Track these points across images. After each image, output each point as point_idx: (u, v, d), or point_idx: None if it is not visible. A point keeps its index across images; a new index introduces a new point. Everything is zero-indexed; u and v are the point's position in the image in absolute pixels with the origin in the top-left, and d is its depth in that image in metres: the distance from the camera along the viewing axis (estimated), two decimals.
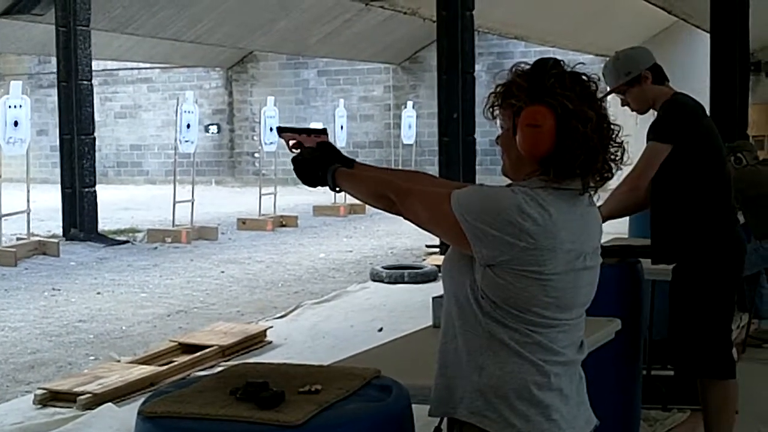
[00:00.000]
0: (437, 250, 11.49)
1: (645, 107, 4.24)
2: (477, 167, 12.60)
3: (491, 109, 2.25)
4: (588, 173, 2.19)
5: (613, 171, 2.23)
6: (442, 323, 2.33)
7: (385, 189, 2.34)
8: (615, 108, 2.25)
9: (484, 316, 2.19)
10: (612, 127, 2.21)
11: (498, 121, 2.26)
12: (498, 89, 2.23)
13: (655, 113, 4.20)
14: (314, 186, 2.50)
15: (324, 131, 2.58)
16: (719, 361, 4.23)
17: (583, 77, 2.20)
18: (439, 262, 9.97)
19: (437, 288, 2.36)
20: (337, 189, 2.46)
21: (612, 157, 2.21)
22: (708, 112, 4.50)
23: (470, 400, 2.21)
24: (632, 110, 4.28)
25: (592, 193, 2.24)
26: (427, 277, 10.16)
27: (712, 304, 4.19)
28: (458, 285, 2.24)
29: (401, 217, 2.34)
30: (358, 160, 2.59)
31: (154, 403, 2.17)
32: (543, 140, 2.14)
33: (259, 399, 2.10)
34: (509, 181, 2.26)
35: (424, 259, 11.62)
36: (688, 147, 4.09)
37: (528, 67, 2.21)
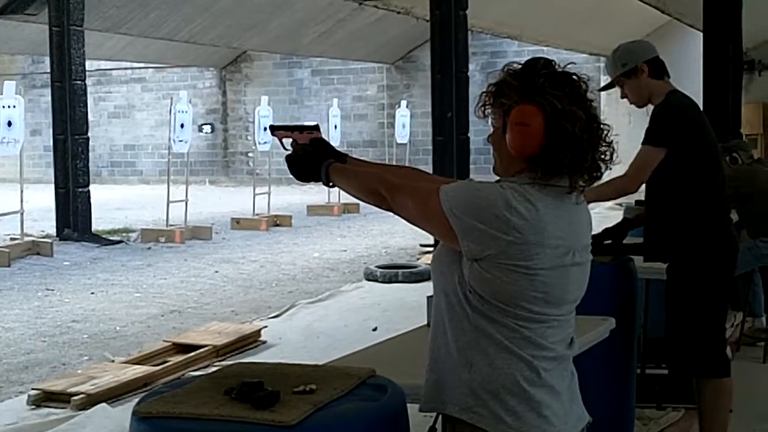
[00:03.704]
0: (431, 249, 11.47)
1: (642, 101, 4.26)
2: (471, 166, 12.60)
3: (483, 108, 2.27)
4: (576, 172, 2.20)
5: (603, 170, 2.24)
6: (432, 319, 2.33)
7: (377, 184, 2.35)
8: (609, 107, 2.25)
9: (472, 311, 2.20)
10: (602, 126, 2.22)
11: (489, 120, 2.27)
12: (490, 88, 2.25)
13: (650, 110, 4.20)
14: (308, 182, 2.51)
15: (316, 127, 2.57)
16: (714, 359, 4.23)
17: (574, 77, 2.21)
18: None
19: (431, 287, 2.36)
20: (331, 184, 2.47)
21: (601, 156, 2.22)
22: None
23: (460, 396, 2.22)
24: (630, 103, 4.29)
25: (580, 191, 2.25)
26: (421, 277, 10.14)
27: (706, 302, 4.20)
28: (447, 280, 2.24)
29: (392, 213, 2.35)
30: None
31: (149, 403, 2.17)
32: (531, 139, 2.16)
33: (254, 399, 2.10)
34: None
35: (418, 259, 11.62)
36: (682, 148, 4.10)
37: (519, 66, 2.23)
